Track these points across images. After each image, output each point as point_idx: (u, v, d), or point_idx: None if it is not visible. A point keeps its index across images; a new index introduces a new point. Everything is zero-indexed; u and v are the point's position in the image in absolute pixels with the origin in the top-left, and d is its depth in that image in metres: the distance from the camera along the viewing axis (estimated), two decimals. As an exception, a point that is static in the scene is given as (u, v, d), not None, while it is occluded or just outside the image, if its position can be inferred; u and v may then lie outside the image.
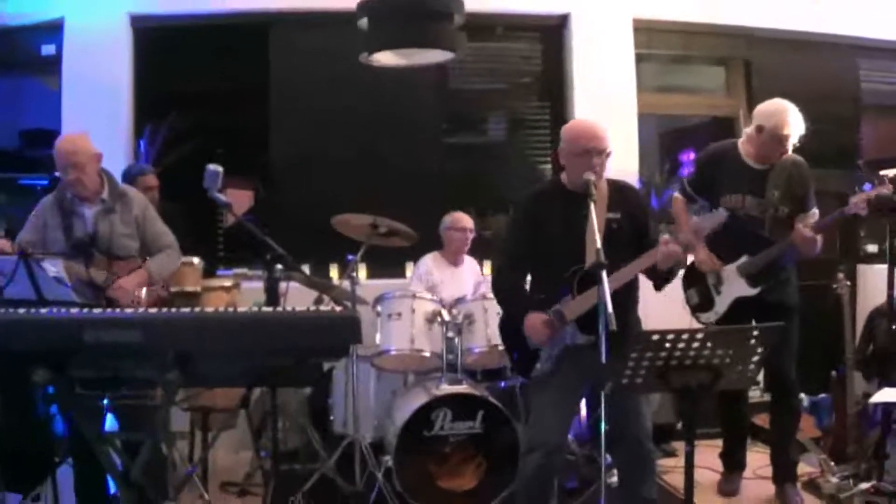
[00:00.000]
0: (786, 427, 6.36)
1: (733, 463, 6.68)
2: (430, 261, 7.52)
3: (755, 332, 4.06)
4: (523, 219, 5.24)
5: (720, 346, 3.97)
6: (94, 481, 5.52)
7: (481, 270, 7.81)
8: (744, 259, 6.08)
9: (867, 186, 5.80)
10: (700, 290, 6.35)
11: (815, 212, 6.11)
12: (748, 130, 6.19)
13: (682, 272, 6.01)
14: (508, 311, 5.35)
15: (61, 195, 5.53)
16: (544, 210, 5.12)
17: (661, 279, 5.06)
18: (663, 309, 5.70)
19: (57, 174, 5.59)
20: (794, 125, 5.94)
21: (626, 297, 4.94)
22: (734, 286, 6.16)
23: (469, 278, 7.57)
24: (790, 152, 6.06)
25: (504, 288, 5.28)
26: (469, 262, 7.66)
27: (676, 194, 6.55)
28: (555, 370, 5.06)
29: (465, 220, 7.48)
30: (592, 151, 4.90)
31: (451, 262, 7.53)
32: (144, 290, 5.62)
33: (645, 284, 5.08)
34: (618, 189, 5.16)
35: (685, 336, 3.92)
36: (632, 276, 4.94)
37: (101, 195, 5.55)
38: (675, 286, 5.21)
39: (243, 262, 7.91)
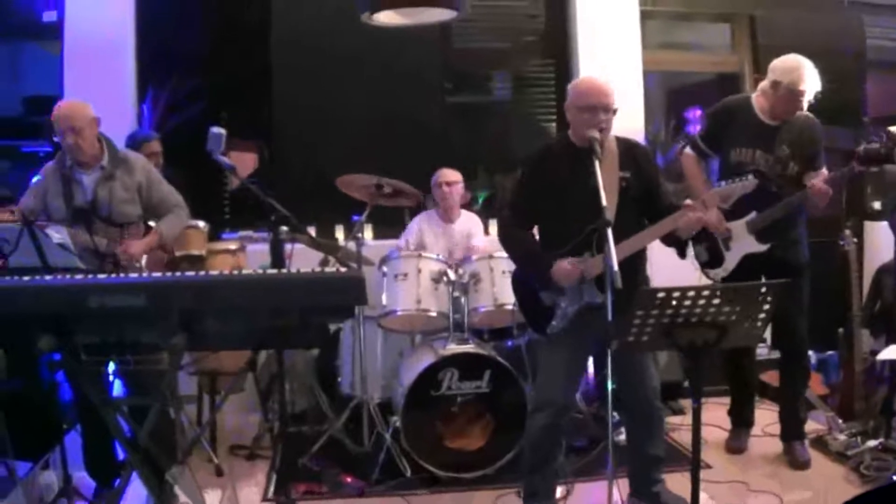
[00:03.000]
0: (796, 385, 6.37)
1: (741, 420, 6.68)
2: (421, 220, 7.53)
3: (762, 290, 4.06)
4: (530, 177, 5.24)
5: (726, 304, 3.96)
6: (102, 447, 5.57)
7: (486, 228, 7.75)
8: (752, 215, 6.05)
9: (875, 136, 5.79)
10: (709, 246, 6.33)
11: (825, 171, 6.07)
12: (763, 85, 6.13)
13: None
14: (521, 265, 5.36)
15: (61, 162, 5.53)
16: (553, 167, 5.12)
17: (682, 246, 5.08)
18: (671, 267, 5.70)
19: (58, 140, 5.59)
20: (811, 81, 5.90)
21: (636, 255, 4.96)
22: (743, 243, 6.14)
23: (463, 234, 7.51)
24: (804, 109, 6.04)
25: (514, 242, 5.29)
26: (466, 217, 7.61)
27: (688, 150, 6.48)
28: (569, 328, 5.08)
29: (449, 174, 7.43)
30: (598, 108, 4.90)
31: (444, 220, 7.50)
32: (145, 256, 5.63)
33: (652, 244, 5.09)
34: (628, 147, 5.16)
35: (691, 293, 3.91)
36: (652, 240, 4.96)
37: (101, 161, 5.53)
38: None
39: (248, 225, 7.92)
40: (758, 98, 6.18)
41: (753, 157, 6.06)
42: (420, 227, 7.46)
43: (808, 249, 6.27)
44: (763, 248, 6.08)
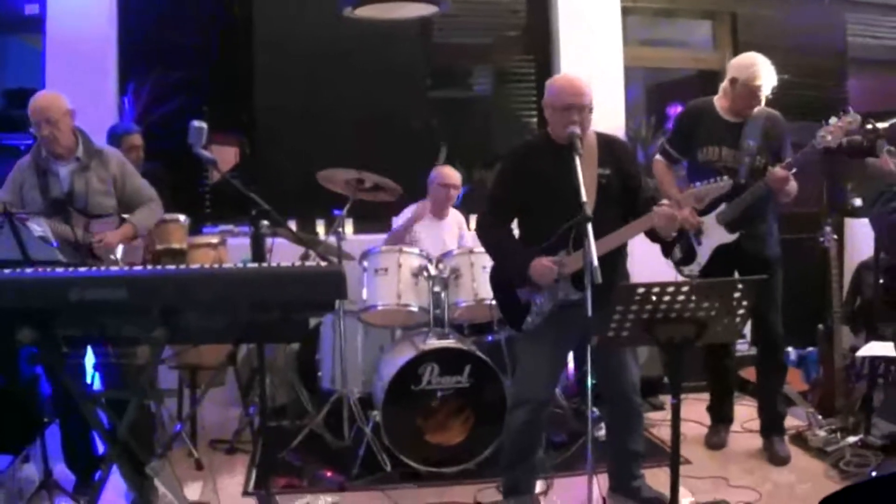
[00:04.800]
0: (773, 381, 6.40)
1: (720, 416, 6.70)
2: (412, 211, 7.46)
3: (738, 285, 4.07)
4: (512, 171, 5.25)
5: (705, 299, 3.97)
6: (81, 441, 5.55)
7: (467, 224, 7.75)
8: (721, 207, 6.09)
9: (832, 120, 5.80)
10: (682, 243, 6.35)
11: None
12: (723, 84, 6.25)
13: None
14: (498, 260, 5.36)
15: (37, 154, 5.51)
16: (533, 163, 5.13)
17: (667, 244, 5.10)
18: (650, 263, 5.71)
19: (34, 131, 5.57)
20: (766, 77, 5.99)
21: (616, 252, 4.96)
22: (714, 235, 6.18)
23: (452, 232, 7.51)
24: (763, 105, 6.11)
25: (492, 236, 5.30)
26: (454, 215, 7.61)
27: (657, 157, 6.54)
28: (546, 325, 5.08)
29: (451, 177, 7.37)
30: (574, 108, 4.91)
31: (437, 216, 7.48)
32: (121, 249, 5.62)
33: (633, 239, 5.09)
34: (607, 143, 5.17)
35: (670, 289, 3.93)
36: (629, 237, 4.97)
37: (76, 153, 5.52)
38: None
39: (229, 219, 7.89)
40: (719, 99, 6.26)
41: (720, 154, 6.11)
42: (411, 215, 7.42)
43: (780, 245, 6.29)
44: (733, 237, 6.12)
